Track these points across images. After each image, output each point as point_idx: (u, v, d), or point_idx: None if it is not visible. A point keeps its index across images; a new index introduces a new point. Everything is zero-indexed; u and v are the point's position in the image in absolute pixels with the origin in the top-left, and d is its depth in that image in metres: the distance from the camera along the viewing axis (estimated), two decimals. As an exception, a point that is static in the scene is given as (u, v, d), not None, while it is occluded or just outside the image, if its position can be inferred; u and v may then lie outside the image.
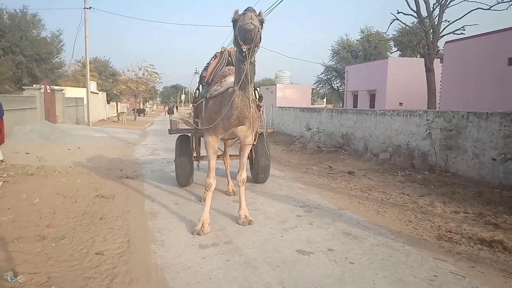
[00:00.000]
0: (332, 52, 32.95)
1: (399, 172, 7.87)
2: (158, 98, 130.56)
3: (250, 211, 5.08)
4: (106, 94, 34.73)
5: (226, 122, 3.84)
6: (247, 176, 4.75)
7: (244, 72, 3.45)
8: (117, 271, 3.34)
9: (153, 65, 34.80)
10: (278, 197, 5.89)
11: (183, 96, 67.24)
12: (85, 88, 23.39)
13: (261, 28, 3.41)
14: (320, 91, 34.94)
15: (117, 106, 39.38)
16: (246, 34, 3.22)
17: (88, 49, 21.09)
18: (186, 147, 6.26)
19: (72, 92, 24.68)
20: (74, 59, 32.38)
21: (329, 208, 5.30)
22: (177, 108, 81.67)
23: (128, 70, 33.97)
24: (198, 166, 6.73)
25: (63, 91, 19.97)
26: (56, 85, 26.16)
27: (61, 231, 4.40)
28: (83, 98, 24.13)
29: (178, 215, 5.01)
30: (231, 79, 4.21)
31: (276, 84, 19.84)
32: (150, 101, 77.71)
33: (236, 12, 3.23)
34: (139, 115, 44.46)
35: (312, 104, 28.54)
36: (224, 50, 4.71)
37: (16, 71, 28.20)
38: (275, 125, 18.91)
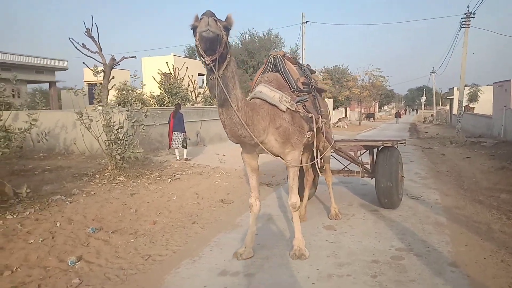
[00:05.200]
0: None
1: None
2: (403, 101, 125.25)
3: (326, 242, 4.26)
4: (334, 100, 36.26)
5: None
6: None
7: (216, 88, 2.93)
8: (130, 278, 3.54)
9: (379, 68, 33.89)
10: (385, 230, 4.60)
11: (423, 98, 61.59)
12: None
13: (227, 35, 2.81)
14: None
15: (345, 112, 40.46)
16: (207, 43, 2.71)
17: (304, 60, 22.69)
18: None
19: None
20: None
21: (438, 259, 3.71)
22: (417, 111, 75.99)
23: (352, 78, 34.51)
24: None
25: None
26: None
27: (154, 229, 5.01)
28: (305, 105, 26.29)
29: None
30: (258, 88, 3.63)
31: (511, 80, 15.05)
32: (387, 105, 75.60)
33: (196, 17, 2.76)
34: (368, 120, 44.22)
35: None
36: (270, 55, 4.08)
37: (261, 85, 33.62)
38: (508, 132, 14.52)
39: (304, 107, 3.67)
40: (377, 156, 5.54)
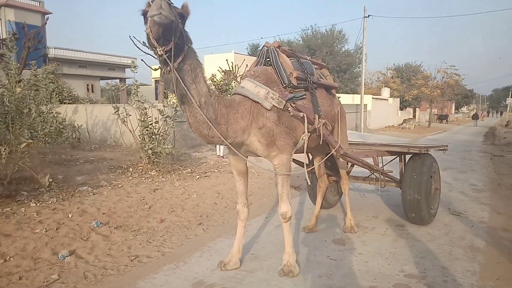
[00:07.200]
0: None
1: None
2: (486, 103, 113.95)
3: (326, 259, 3.78)
4: (401, 100, 33.95)
5: None
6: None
7: (173, 83, 2.60)
8: (105, 279, 3.42)
9: (454, 66, 31.07)
10: (402, 251, 3.96)
11: (509, 99, 55.16)
12: (372, 95, 24.22)
13: (183, 24, 2.47)
14: None
15: (414, 112, 37.74)
16: (159, 30, 2.38)
17: (364, 55, 21.50)
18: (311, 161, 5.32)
19: (358, 99, 25.98)
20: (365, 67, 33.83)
21: (454, 294, 3.05)
22: (501, 113, 68.60)
23: (422, 76, 32.10)
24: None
25: (339, 98, 21.50)
26: (355, 93, 28.50)
27: (159, 227, 4.89)
28: (366, 104, 24.99)
29: (254, 239, 4.44)
30: (242, 83, 3.25)
31: None
32: (466, 106, 69.30)
33: (148, 2, 2.40)
34: (441, 122, 40.88)
35: None
36: (264, 46, 3.62)
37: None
38: None
39: (293, 105, 3.21)
40: (406, 164, 4.84)
